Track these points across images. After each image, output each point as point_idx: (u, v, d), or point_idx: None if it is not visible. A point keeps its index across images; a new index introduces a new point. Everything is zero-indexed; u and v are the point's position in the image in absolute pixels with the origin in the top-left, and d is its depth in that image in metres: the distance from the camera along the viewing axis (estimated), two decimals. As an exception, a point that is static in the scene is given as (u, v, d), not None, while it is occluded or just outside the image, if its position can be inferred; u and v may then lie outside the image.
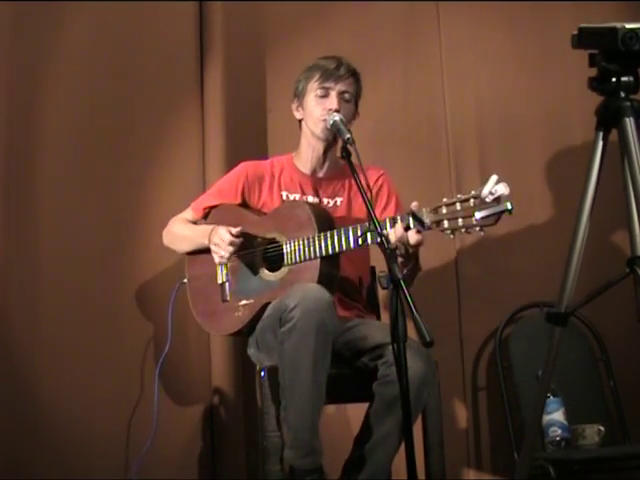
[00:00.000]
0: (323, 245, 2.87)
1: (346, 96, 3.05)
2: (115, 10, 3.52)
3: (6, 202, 3.25)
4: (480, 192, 2.53)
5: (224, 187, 3.18)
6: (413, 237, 2.72)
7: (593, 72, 2.39)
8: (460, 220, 2.58)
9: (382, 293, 3.25)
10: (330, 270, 2.91)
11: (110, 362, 3.37)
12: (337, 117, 2.90)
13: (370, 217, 2.60)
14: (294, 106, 3.15)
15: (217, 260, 3.02)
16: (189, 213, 3.22)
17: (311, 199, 3.12)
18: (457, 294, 3.84)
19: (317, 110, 3.04)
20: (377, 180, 3.16)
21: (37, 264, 3.31)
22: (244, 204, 3.14)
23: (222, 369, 3.54)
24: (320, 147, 3.10)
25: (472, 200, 2.56)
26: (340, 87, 3.04)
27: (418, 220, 2.70)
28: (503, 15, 4.00)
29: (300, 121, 3.15)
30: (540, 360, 2.56)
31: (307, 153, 3.14)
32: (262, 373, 2.89)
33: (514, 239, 3.78)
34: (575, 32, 2.38)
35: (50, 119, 3.38)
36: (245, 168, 3.17)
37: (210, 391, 3.56)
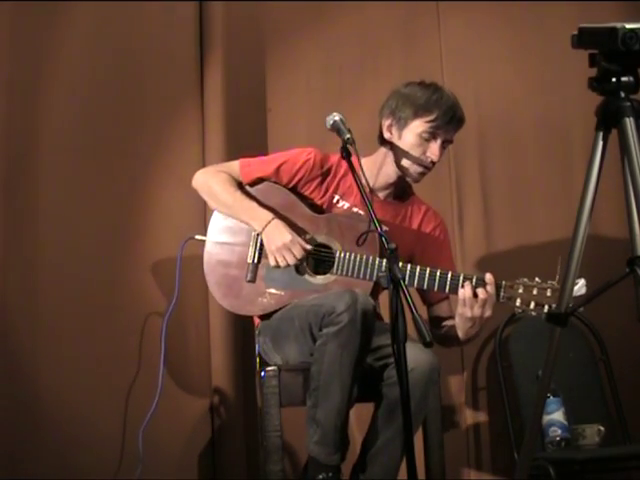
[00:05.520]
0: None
1: (446, 144, 2.98)
2: (115, 10, 3.52)
3: (6, 201, 3.25)
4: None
5: (286, 166, 3.00)
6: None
7: (593, 72, 2.39)
8: (532, 304, 2.80)
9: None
10: (377, 295, 2.96)
11: (109, 357, 3.37)
12: (337, 117, 2.86)
13: (370, 217, 2.60)
14: (386, 123, 2.99)
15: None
16: (236, 172, 3.03)
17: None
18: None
19: (417, 151, 2.94)
20: (435, 228, 3.10)
21: (37, 263, 3.30)
22: (293, 189, 3.00)
23: (222, 369, 3.54)
24: (396, 177, 3.02)
25: (549, 290, 2.78)
26: (446, 136, 2.96)
27: (495, 292, 2.84)
28: (503, 15, 4.00)
29: (383, 139, 3.01)
30: (540, 360, 2.55)
31: (375, 172, 3.02)
32: (262, 373, 2.88)
33: (514, 239, 3.78)
34: (575, 32, 2.37)
35: (50, 119, 3.38)
36: (314, 158, 3.00)
37: (210, 391, 3.55)
